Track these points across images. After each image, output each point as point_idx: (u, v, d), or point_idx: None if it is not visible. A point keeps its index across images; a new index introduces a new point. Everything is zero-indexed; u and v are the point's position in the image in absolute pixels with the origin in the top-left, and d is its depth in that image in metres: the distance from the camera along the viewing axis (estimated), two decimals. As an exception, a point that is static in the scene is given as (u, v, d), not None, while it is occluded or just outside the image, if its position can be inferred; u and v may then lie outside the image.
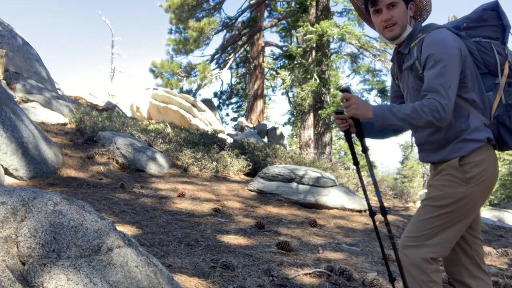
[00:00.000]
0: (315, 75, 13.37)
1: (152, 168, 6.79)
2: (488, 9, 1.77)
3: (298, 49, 14.07)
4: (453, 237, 1.72)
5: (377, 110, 1.66)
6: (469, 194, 1.67)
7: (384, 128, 1.71)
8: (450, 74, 1.60)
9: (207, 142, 9.30)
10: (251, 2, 19.31)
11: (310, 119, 15.42)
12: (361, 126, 1.83)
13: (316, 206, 6.47)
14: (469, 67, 1.69)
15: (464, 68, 1.67)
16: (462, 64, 1.67)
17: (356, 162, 2.05)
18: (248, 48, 22.03)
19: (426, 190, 1.79)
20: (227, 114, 37.72)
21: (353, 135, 1.92)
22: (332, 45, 14.71)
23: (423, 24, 1.86)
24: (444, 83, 1.58)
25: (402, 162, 28.71)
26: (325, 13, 13.73)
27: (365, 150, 1.88)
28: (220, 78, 20.31)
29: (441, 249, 1.71)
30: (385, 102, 14.23)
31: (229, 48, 19.94)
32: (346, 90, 1.79)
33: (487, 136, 1.67)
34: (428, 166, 23.46)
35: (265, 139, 16.47)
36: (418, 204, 9.64)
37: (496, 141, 1.70)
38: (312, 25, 13.10)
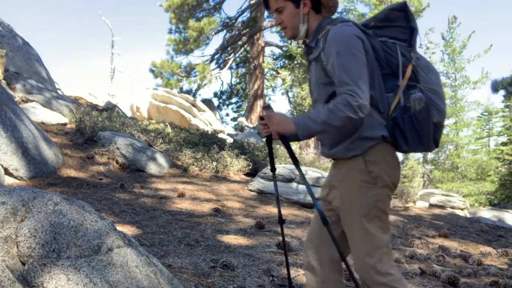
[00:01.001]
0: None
1: (152, 168, 6.79)
2: (395, 10, 1.75)
3: (298, 49, 14.07)
4: (387, 235, 1.69)
5: (298, 122, 1.63)
6: (380, 194, 1.65)
7: (311, 135, 1.67)
8: (357, 65, 1.57)
9: (207, 142, 9.30)
10: (251, 2, 19.30)
11: (310, 119, 15.39)
12: (287, 140, 1.83)
13: (316, 206, 6.47)
14: (370, 64, 1.67)
15: (371, 64, 1.66)
16: (370, 62, 1.65)
17: (273, 169, 2.02)
18: (248, 48, 22.03)
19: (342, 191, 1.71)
20: (227, 114, 37.72)
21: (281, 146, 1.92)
22: (332, 45, 14.73)
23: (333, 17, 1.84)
24: (352, 75, 1.56)
25: (402, 162, 28.71)
26: (325, 13, 13.74)
27: (295, 162, 1.85)
28: (220, 78, 20.34)
29: (386, 254, 1.66)
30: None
31: (229, 48, 19.94)
32: (267, 107, 1.80)
33: (382, 134, 1.65)
34: (428, 166, 23.43)
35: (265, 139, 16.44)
36: (418, 204, 9.64)
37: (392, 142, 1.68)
38: (312, 25, 13.10)
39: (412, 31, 1.73)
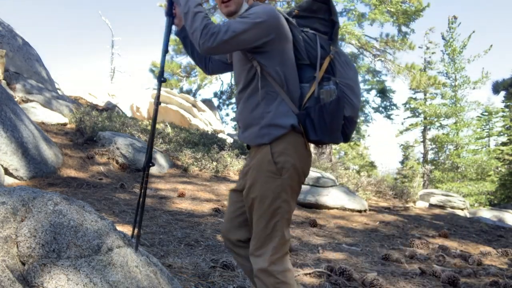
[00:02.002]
0: (315, 75, 13.35)
1: (152, 168, 6.79)
2: (318, 1, 1.76)
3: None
4: (287, 226, 1.72)
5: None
6: (283, 185, 1.66)
7: (185, 19, 1.68)
8: (249, 29, 1.59)
9: (207, 142, 9.30)
10: (251, 2, 19.29)
11: (310, 119, 15.40)
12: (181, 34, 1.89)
13: (316, 206, 6.47)
14: (287, 51, 1.69)
15: (283, 48, 1.67)
16: (282, 46, 1.67)
17: (166, 50, 1.97)
18: (248, 48, 21.97)
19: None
20: (227, 114, 37.58)
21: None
22: (332, 45, 14.71)
23: None
24: (235, 27, 1.57)
25: (402, 162, 28.69)
26: (325, 13, 13.72)
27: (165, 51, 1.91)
28: (220, 78, 20.31)
29: (282, 245, 1.70)
30: (384, 102, 14.24)
31: (229, 48, 19.89)
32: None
33: (292, 123, 1.66)
34: (427, 166, 23.40)
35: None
36: (418, 204, 9.64)
37: (303, 132, 1.70)
38: (312, 25, 13.09)
39: (333, 25, 1.75)
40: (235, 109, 30.14)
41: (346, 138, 1.77)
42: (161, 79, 1.92)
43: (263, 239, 1.68)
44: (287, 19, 1.71)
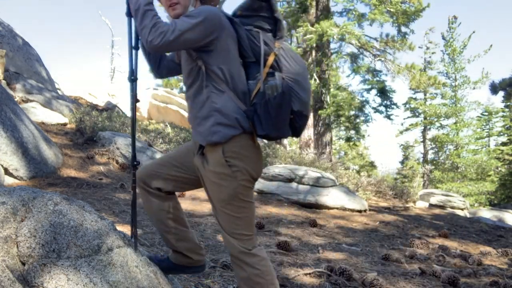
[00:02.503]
0: (315, 75, 13.36)
1: (152, 168, 6.78)
2: (257, 0, 1.80)
3: (298, 49, 14.07)
4: (250, 223, 1.81)
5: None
6: (238, 186, 1.73)
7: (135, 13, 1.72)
8: (193, 28, 1.63)
9: (207, 142, 9.28)
10: (251, 2, 19.29)
11: (310, 119, 15.40)
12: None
13: (316, 206, 6.47)
14: (232, 49, 1.74)
15: (227, 47, 1.72)
16: (227, 44, 1.72)
17: (132, 48, 1.97)
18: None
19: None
20: (227, 114, 37.65)
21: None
22: (332, 45, 14.72)
23: None
24: (181, 26, 1.61)
25: (402, 162, 28.68)
26: (325, 13, 13.73)
27: (136, 47, 1.92)
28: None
29: (249, 237, 1.79)
30: (384, 102, 14.24)
31: (229, 48, 19.90)
32: None
33: (240, 120, 1.71)
34: (427, 166, 23.38)
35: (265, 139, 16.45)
36: (418, 204, 9.64)
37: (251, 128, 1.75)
38: (312, 25, 13.09)
39: (276, 22, 1.79)
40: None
41: (296, 132, 1.80)
42: (132, 78, 1.92)
43: (229, 229, 1.79)
44: (230, 19, 1.77)
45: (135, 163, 1.96)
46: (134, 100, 1.93)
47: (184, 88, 1.88)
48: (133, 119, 1.96)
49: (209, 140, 1.72)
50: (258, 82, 1.72)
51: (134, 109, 1.95)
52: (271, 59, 1.73)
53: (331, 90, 13.50)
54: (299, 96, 1.73)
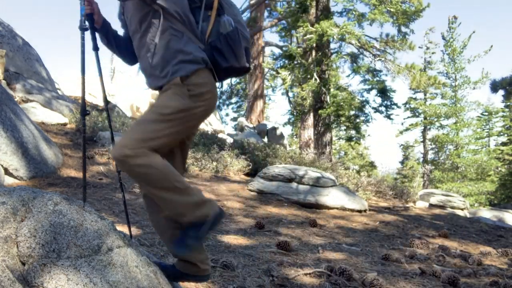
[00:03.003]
0: (315, 75, 13.36)
1: (152, 168, 6.78)
2: None
3: (298, 49, 14.06)
4: (168, 143, 1.81)
5: None
6: (191, 108, 1.78)
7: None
8: None
9: (207, 142, 9.30)
10: (251, 2, 19.31)
11: (310, 119, 15.41)
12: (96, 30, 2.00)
13: (316, 206, 6.47)
14: None
15: None
16: None
17: (95, 47, 2.09)
18: (248, 48, 21.96)
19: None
20: (227, 114, 37.72)
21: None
22: (332, 45, 14.71)
23: None
24: None
25: (402, 162, 28.68)
26: (325, 13, 13.72)
27: (96, 48, 2.05)
28: (219, 78, 20.26)
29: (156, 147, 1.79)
30: (385, 102, 14.23)
31: (229, 48, 19.88)
32: None
33: (202, 56, 1.82)
34: (427, 166, 23.36)
35: (265, 139, 16.46)
36: (418, 204, 9.64)
37: (212, 65, 1.87)
38: (312, 25, 13.09)
39: None
40: (235, 109, 29.88)
41: (249, 65, 1.99)
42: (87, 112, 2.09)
43: (141, 133, 1.75)
44: None
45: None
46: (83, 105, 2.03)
47: (134, 40, 1.94)
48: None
49: (174, 76, 1.78)
50: (210, 23, 1.87)
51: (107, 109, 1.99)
52: (216, 2, 1.89)
53: (331, 90, 13.49)
54: (244, 34, 1.92)
